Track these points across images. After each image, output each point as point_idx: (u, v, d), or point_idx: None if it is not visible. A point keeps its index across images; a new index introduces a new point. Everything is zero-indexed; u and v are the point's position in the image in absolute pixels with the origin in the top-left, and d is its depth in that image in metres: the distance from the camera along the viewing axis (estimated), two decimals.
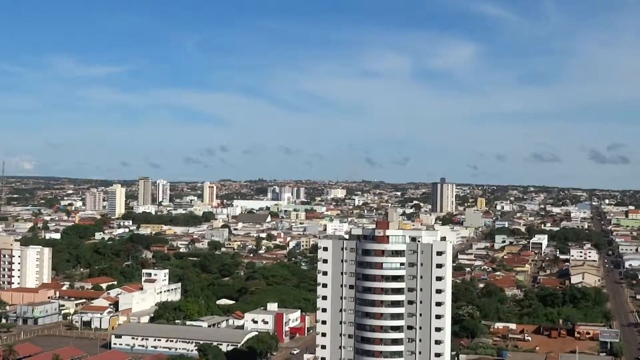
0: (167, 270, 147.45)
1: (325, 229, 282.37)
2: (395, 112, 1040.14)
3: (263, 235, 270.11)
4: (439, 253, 72.25)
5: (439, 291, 71.55)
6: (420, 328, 70.88)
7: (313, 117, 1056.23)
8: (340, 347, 72.94)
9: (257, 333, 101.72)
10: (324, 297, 73.89)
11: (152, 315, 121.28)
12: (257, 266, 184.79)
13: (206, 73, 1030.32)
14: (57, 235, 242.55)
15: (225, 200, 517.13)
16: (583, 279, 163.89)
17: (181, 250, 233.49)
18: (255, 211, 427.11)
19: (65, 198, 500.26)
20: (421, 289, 71.86)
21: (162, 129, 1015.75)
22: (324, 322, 73.54)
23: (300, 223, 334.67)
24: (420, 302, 71.59)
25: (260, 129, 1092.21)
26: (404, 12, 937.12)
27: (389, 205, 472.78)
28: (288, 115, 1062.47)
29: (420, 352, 70.73)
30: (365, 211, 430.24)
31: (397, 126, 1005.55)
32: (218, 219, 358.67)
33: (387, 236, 73.12)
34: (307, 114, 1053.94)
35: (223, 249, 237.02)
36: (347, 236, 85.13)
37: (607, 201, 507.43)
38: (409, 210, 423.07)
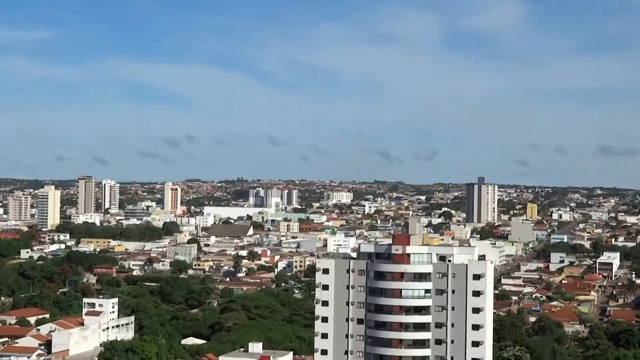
0: (116, 300, 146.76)
1: (325, 245, 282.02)
2: (418, 90, 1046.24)
3: (243, 253, 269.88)
4: (477, 277, 72.41)
5: (476, 327, 71.71)
6: None
7: (310, 96, 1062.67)
8: None
9: None
10: (324, 336, 74.09)
11: (96, 359, 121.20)
12: (235, 294, 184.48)
13: (167, 37, 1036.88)
14: None
15: (193, 207, 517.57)
16: None
17: (135, 273, 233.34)
18: (233, 221, 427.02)
19: None
20: (452, 325, 72.12)
21: (108, 113, 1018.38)
22: None
23: (293, 237, 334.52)
24: (452, 341, 71.75)
25: (240, 113, 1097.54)
26: None
27: (410, 213, 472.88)
28: (276, 94, 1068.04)
29: None
30: (379, 221, 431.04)
31: (421, 109, 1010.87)
32: (184, 231, 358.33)
33: (408, 254, 73.29)
34: (302, 93, 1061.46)
35: (190, 272, 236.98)
36: (354, 254, 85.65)
37: None
38: (436, 220, 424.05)
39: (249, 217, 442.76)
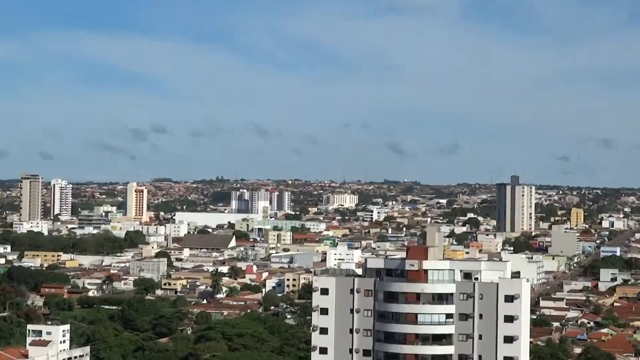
0: (67, 327, 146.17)
1: (324, 260, 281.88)
2: (436, 71, 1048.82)
3: (224, 269, 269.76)
4: (510, 298, 72.73)
5: None
6: None
7: (305, 78, 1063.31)
8: None
9: None
10: None
11: None
12: (213, 319, 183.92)
13: (131, 5, 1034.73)
14: None
15: (162, 213, 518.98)
16: None
17: (91, 293, 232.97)
18: (211, 230, 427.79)
19: None
20: (480, 357, 72.36)
21: (58, 98, 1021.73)
22: None
23: (285, 250, 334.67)
24: None
25: (221, 98, 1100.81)
26: None
27: (428, 220, 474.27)
28: (265, 75, 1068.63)
29: None
30: (390, 230, 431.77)
31: (440, 93, 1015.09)
32: (151, 242, 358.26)
33: (425, 271, 73.64)
34: (296, 74, 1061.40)
35: (159, 292, 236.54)
36: (360, 271, 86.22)
37: None
38: (460, 229, 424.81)
39: (231, 225, 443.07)
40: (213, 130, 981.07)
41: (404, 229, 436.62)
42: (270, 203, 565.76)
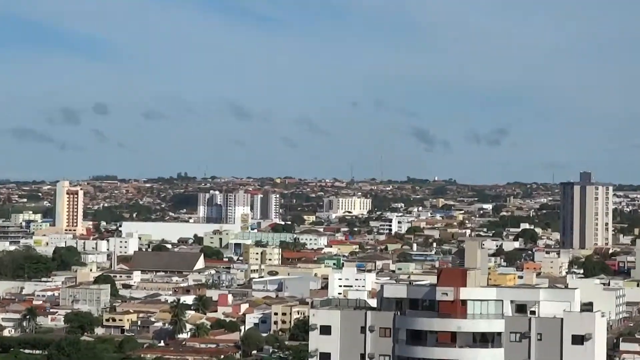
0: None
1: (325, 287, 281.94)
2: (474, 29, 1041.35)
3: (188, 299, 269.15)
4: (579, 339, 73.29)
5: None
6: None
7: (299, 38, 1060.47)
8: None
9: None
10: None
11: None
12: None
13: None
14: None
15: (104, 223, 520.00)
16: None
17: (6, 332, 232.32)
18: (171, 247, 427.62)
19: None
20: None
21: None
22: None
23: (271, 273, 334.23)
24: None
25: (185, 68, 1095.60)
26: None
27: (467, 232, 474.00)
28: (244, 34, 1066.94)
29: None
30: (415, 246, 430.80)
31: (480, 60, 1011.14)
32: (89, 263, 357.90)
33: (464, 302, 74.40)
34: (286, 32, 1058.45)
35: (100, 331, 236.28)
36: (374, 302, 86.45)
37: None
38: (510, 244, 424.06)
39: (198, 240, 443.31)
40: (174, 112, 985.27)
41: (434, 244, 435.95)
42: (252, 209, 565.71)
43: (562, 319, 73.75)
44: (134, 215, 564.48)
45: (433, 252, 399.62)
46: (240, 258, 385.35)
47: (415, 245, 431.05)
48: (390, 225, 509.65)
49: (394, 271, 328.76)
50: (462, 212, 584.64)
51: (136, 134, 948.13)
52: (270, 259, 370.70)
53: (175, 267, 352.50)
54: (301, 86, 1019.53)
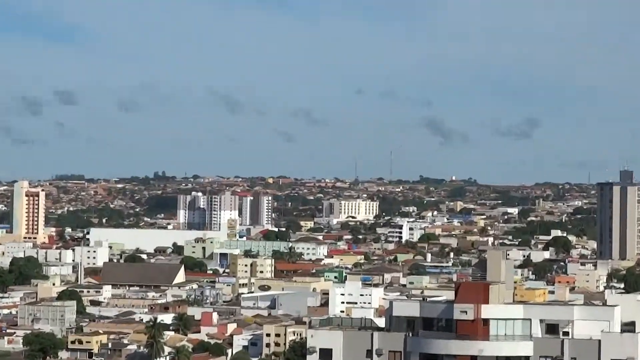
0: None
1: (325, 304, 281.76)
2: (495, 5, 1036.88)
3: (166, 318, 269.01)
4: None
5: None
6: None
7: (296, 19, 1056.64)
8: None
9: None
10: None
11: None
12: None
13: None
14: None
15: (69, 229, 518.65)
16: None
17: None
18: (146, 257, 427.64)
19: None
20: None
21: None
22: None
23: (263, 288, 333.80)
24: None
25: (165, 52, 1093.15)
26: None
27: (490, 241, 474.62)
28: (234, 15, 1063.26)
29: None
30: (429, 257, 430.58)
31: (504, 40, 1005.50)
32: (52, 276, 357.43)
33: (486, 321, 74.73)
34: (282, 13, 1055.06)
35: (64, 355, 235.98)
36: (381, 321, 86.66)
37: None
38: (539, 254, 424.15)
39: (178, 249, 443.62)
40: (151, 102, 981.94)
41: (451, 254, 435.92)
42: (240, 214, 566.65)
43: (599, 341, 73.66)
44: (104, 220, 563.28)
45: (450, 264, 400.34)
46: (227, 270, 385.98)
47: (429, 256, 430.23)
48: (401, 233, 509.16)
49: (404, 285, 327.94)
50: (484, 217, 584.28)
51: (107, 127, 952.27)
52: (261, 272, 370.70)
53: (152, 280, 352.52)
54: (298, 72, 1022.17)
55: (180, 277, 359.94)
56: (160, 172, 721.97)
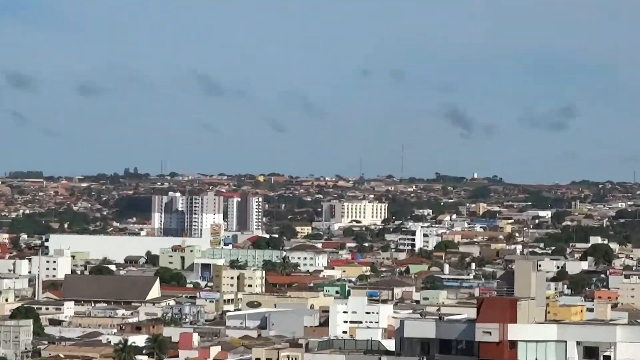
0: None
1: (324, 323, 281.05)
2: None
3: (138, 339, 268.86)
4: None
5: None
6: None
7: None
8: None
9: None
10: None
11: None
12: None
13: None
14: None
15: (25, 236, 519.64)
16: None
17: None
18: (115, 268, 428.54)
19: None
20: None
21: None
22: None
23: (252, 304, 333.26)
24: None
25: (131, 27, 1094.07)
26: None
27: (518, 249, 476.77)
28: None
29: None
30: (447, 268, 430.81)
31: (536, 16, 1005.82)
32: (4, 290, 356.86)
33: (513, 343, 76.32)
34: None
35: None
36: (391, 343, 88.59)
37: None
38: (576, 265, 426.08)
39: (152, 259, 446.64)
40: (121, 87, 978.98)
41: (473, 265, 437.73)
42: (225, 217, 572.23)
43: None
44: (66, 225, 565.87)
45: (471, 276, 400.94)
46: (210, 284, 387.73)
47: (447, 267, 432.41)
48: (413, 240, 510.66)
49: (418, 302, 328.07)
50: (511, 221, 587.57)
51: (69, 116, 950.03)
52: (250, 285, 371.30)
53: (122, 296, 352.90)
54: (292, 51, 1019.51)
55: (155, 291, 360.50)
56: (131, 169, 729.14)
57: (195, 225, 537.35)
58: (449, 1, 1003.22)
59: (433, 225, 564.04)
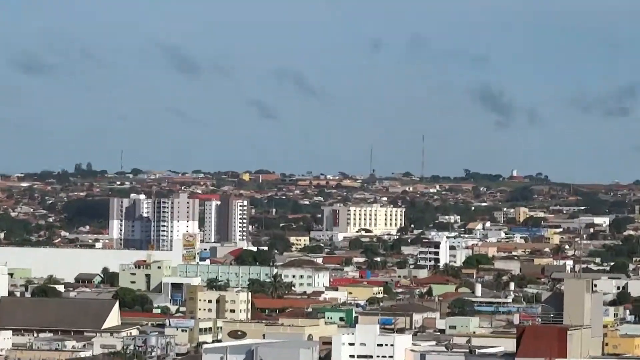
0: None
1: (328, 356, 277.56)
2: None
3: None
4: None
5: None
6: None
7: None
8: None
9: None
10: None
11: None
12: None
13: None
14: None
15: None
16: None
17: None
18: (64, 289, 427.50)
19: None
20: None
21: None
22: None
23: (234, 334, 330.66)
24: None
25: None
26: None
27: (568, 265, 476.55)
28: None
29: None
30: (479, 288, 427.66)
31: None
32: None
33: None
34: None
35: None
36: None
37: None
38: (638, 284, 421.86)
39: (110, 278, 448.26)
40: (71, 62, 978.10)
41: (512, 285, 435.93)
42: (201, 226, 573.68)
43: None
44: (2, 235, 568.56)
45: (510, 299, 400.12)
46: (183, 309, 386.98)
47: (479, 287, 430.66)
48: (437, 253, 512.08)
49: (443, 331, 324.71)
50: (559, 230, 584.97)
51: (4, 98, 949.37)
52: (232, 311, 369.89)
53: (72, 324, 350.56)
54: (283, 18, 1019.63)
55: (114, 318, 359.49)
56: (84, 165, 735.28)
57: (163, 236, 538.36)
58: None
59: (462, 235, 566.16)
